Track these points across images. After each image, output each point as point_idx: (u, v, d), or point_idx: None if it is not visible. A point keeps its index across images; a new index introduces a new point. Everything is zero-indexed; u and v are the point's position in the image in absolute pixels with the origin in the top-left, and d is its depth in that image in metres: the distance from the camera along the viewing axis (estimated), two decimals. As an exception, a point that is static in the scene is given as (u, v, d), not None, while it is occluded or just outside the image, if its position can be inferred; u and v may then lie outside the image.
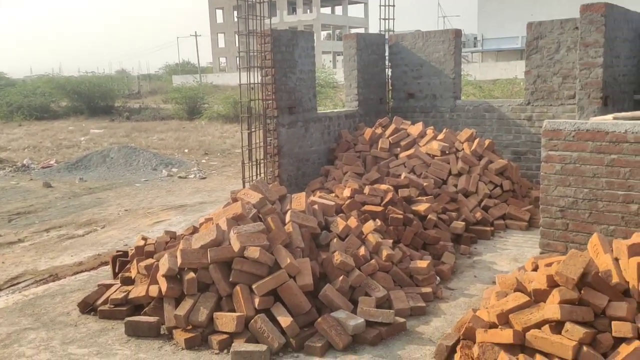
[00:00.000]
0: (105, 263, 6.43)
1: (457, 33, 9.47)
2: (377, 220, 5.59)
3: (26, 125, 27.87)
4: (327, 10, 74.82)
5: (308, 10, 70.73)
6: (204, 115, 26.74)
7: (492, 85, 27.21)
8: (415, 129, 8.61)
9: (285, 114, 8.01)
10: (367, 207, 5.79)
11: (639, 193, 5.16)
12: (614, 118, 5.64)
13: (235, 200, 5.17)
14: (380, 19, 10.17)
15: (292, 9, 72.91)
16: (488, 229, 6.76)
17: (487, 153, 7.93)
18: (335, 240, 5.02)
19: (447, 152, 7.95)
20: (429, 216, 6.26)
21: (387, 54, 10.12)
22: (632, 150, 5.14)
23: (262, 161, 7.93)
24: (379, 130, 8.74)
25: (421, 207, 6.32)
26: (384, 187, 6.54)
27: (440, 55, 9.53)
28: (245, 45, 7.45)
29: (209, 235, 4.51)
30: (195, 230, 5.39)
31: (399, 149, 8.40)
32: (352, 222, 5.32)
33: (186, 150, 17.85)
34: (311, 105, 8.50)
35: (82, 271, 6.34)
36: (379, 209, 5.76)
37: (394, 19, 10.19)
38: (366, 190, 6.07)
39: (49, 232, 8.47)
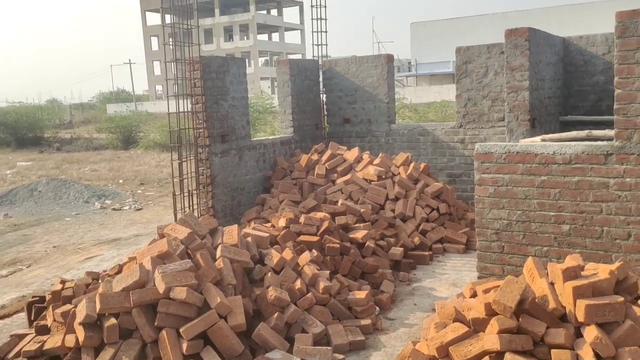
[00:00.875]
0: (31, 305, 5.94)
1: (389, 58, 9.56)
2: (314, 250, 5.40)
3: None
4: (264, 37, 75.21)
5: (245, 37, 70.81)
6: (140, 144, 26.02)
7: (426, 108, 27.88)
8: (351, 154, 8.54)
9: (218, 142, 7.76)
10: (302, 238, 5.60)
11: (569, 213, 5.22)
12: (542, 140, 5.73)
13: (162, 236, 4.86)
14: (313, 45, 10.15)
15: (229, 36, 72.79)
16: (426, 253, 6.71)
17: (423, 176, 7.93)
18: (269, 274, 4.79)
19: (383, 176, 7.90)
20: (367, 243, 6.13)
21: (321, 79, 10.08)
22: (561, 172, 5.21)
23: (194, 192, 7.62)
24: (315, 157, 8.62)
25: (359, 235, 6.19)
26: (320, 215, 6.37)
27: (374, 80, 9.57)
28: (174, 73, 7.18)
29: (132, 276, 4.18)
30: (120, 269, 5.02)
31: (335, 174, 8.29)
32: (287, 254, 5.11)
33: (121, 181, 17.21)
34: (245, 133, 8.29)
35: (3, 316, 5.87)
36: (315, 238, 5.58)
37: (326, 44, 10.20)
38: (302, 219, 5.89)
39: None
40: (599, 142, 5.13)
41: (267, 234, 5.40)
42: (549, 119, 7.38)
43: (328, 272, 5.17)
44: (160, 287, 4.04)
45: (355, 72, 9.74)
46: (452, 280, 6.00)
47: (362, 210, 6.95)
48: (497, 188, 5.50)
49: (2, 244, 9.56)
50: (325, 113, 10.19)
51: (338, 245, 5.49)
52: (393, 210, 7.47)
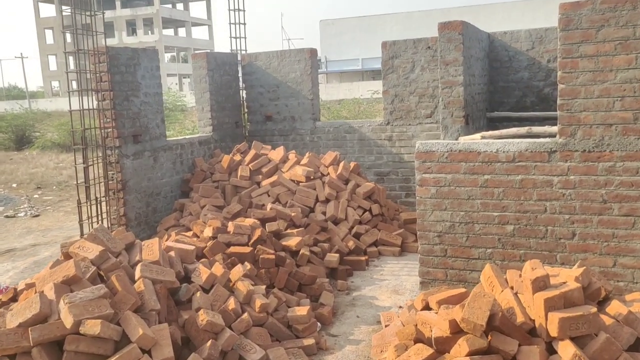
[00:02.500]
0: None
1: (313, 52, 9.12)
2: (246, 263, 4.84)
3: None
4: (169, 31, 72.56)
5: (149, 32, 67.90)
6: (35, 144, 23.95)
7: (338, 105, 27.83)
8: (276, 154, 8.02)
9: (130, 143, 6.96)
10: (233, 249, 5.02)
11: (513, 213, 5.03)
12: (482, 137, 5.51)
13: (67, 256, 4.11)
14: (230, 37, 9.51)
15: (132, 30, 69.51)
16: (363, 258, 6.34)
17: (353, 176, 7.57)
18: (198, 294, 4.18)
19: (312, 177, 7.46)
20: (302, 251, 5.65)
21: (240, 74, 9.46)
22: (504, 170, 5.00)
23: (103, 199, 6.79)
24: (237, 157, 8.02)
25: (292, 242, 5.69)
26: (250, 222, 5.81)
27: (297, 75, 9.10)
28: (76, 65, 6.32)
29: (30, 308, 3.43)
30: (15, 295, 4.20)
31: (260, 176, 7.74)
32: (217, 268, 4.52)
33: (14, 185, 15.75)
34: (160, 132, 7.53)
35: None
36: (247, 249, 5.01)
37: (245, 37, 9.59)
38: (230, 227, 5.30)
39: None
40: (541, 139, 4.97)
41: (192, 247, 4.77)
42: (479, 115, 7.26)
43: (264, 286, 4.64)
44: (67, 321, 3.33)
45: (277, 67, 9.21)
46: (393, 286, 5.66)
47: (292, 214, 6.46)
48: (440, 188, 5.21)
49: None
50: (246, 110, 9.59)
51: (273, 256, 4.96)
52: (324, 213, 7.04)
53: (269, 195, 7.38)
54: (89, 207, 6.53)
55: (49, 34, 67.89)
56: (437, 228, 5.30)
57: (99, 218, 6.66)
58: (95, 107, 6.65)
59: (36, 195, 14.16)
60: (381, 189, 7.57)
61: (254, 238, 5.16)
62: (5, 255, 8.15)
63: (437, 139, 8.18)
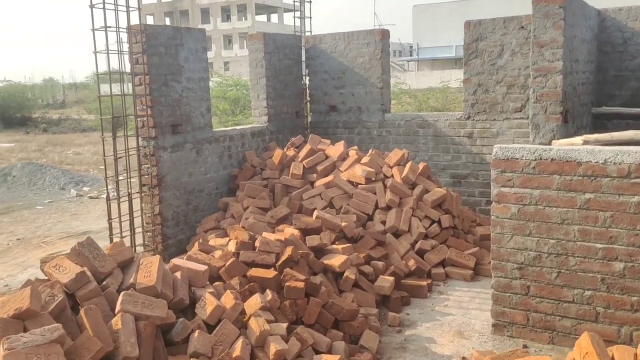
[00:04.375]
0: None
1: (384, 34, 7.98)
2: (268, 291, 3.90)
3: None
4: (262, 17, 73.04)
5: (243, 18, 68.65)
6: (130, 126, 24.43)
7: (427, 94, 26.28)
8: (335, 150, 7.02)
9: (168, 133, 6.23)
10: (254, 272, 4.09)
11: (624, 247, 3.72)
12: (585, 142, 4.21)
13: (38, 281, 3.36)
14: (294, 17, 8.57)
15: (226, 17, 70.66)
16: (424, 283, 5.20)
17: (422, 180, 6.42)
18: (197, 333, 3.29)
19: (373, 179, 6.39)
20: (346, 274, 4.64)
21: (303, 59, 8.52)
22: (615, 188, 3.70)
23: (136, 195, 6.12)
24: (291, 152, 7.10)
25: (335, 262, 4.69)
26: (288, 233, 4.88)
27: (365, 60, 8.01)
28: (105, 44, 5.63)
29: (-35, 352, 2.68)
30: None
31: (315, 175, 6.78)
32: (228, 299, 3.61)
33: (102, 167, 15.96)
34: (204, 122, 6.75)
35: None
36: (271, 274, 4.07)
37: (310, 17, 8.62)
38: (257, 243, 4.38)
39: None
40: (672, 148, 3.62)
41: (204, 267, 3.89)
42: (582, 111, 5.86)
43: (285, 325, 3.67)
44: (3, 375, 2.55)
45: (343, 51, 8.17)
46: (458, 325, 4.50)
47: (343, 224, 5.45)
48: (523, 207, 4.00)
49: None
50: (308, 99, 8.64)
51: (302, 285, 3.98)
52: (383, 223, 5.97)
53: (321, 198, 6.41)
54: (119, 204, 5.87)
55: (149, 19, 70.55)
56: (517, 258, 4.09)
57: (131, 217, 5.99)
58: (129, 92, 5.97)
59: (121, 177, 14.11)
60: (455, 197, 6.37)
61: (283, 258, 4.20)
62: (80, 237, 7.95)
63: (527, 138, 6.84)
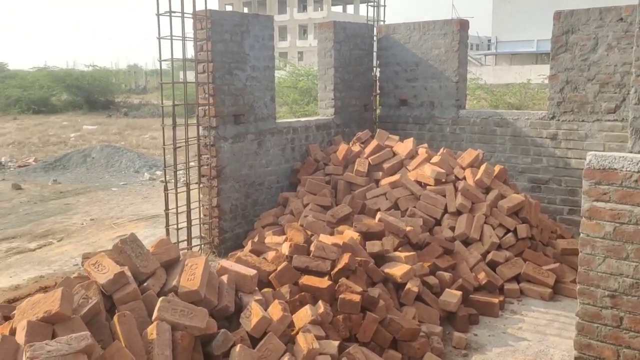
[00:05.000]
0: (44, 288, 5.12)
1: (463, 24, 7.41)
2: (321, 303, 3.55)
3: (21, 119, 26.56)
4: (338, 8, 72.57)
5: (319, 8, 68.48)
6: (192, 115, 24.90)
7: (505, 89, 25.03)
8: (403, 147, 6.56)
9: (229, 123, 6.00)
10: (306, 280, 3.75)
11: None
12: (700, 152, 3.57)
13: (78, 275, 3.17)
14: (367, 4, 8.13)
15: (303, 7, 70.78)
16: (496, 300, 4.69)
17: (497, 184, 5.87)
18: (238, 348, 2.99)
19: (443, 180, 5.91)
20: (409, 286, 4.22)
21: (375, 49, 8.08)
22: None
23: (195, 186, 5.94)
24: (356, 147, 6.71)
25: (397, 271, 4.28)
26: (347, 236, 4.52)
27: (441, 52, 7.47)
28: (169, 30, 5.44)
29: (-11, 355, 2.51)
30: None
31: (380, 173, 6.37)
32: (275, 310, 3.29)
33: (172, 151, 16.21)
34: (268, 113, 6.47)
35: (14, 300, 4.85)
36: (325, 283, 3.71)
37: (385, 5, 8.15)
38: (313, 247, 4.03)
39: None
40: None
41: (252, 272, 3.59)
42: (691, 114, 5.10)
43: (337, 342, 3.31)
44: (24, 385, 2.34)
45: (417, 42, 7.67)
46: (534, 354, 3.97)
47: (407, 229, 5.02)
48: (620, 226, 3.43)
49: (43, 213, 9.10)
50: (378, 92, 8.20)
51: (358, 299, 3.60)
52: (452, 229, 5.49)
53: (386, 199, 6.00)
54: (176, 195, 5.70)
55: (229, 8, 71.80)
56: (610, 284, 3.52)
57: (189, 209, 5.81)
58: (193, 80, 5.78)
59: (193, 163, 14.25)
60: (534, 204, 5.77)
61: (339, 267, 3.83)
62: (149, 221, 8.21)
63: (620, 142, 6.12)
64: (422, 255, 4.93)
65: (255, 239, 5.45)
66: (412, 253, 4.56)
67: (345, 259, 3.85)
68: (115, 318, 2.78)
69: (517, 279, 5.15)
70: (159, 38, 5.42)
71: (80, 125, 23.91)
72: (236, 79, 6.01)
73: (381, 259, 4.51)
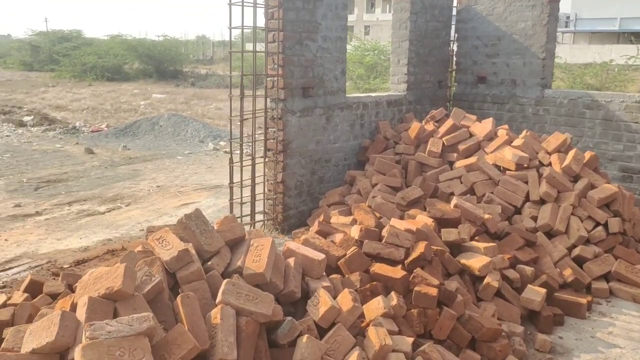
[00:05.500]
0: (112, 251, 5.40)
1: (554, -5, 6.79)
2: (393, 294, 3.27)
3: (95, 85, 27.46)
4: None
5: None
6: (260, 86, 24.94)
7: (583, 69, 23.57)
8: (481, 128, 6.12)
9: (298, 96, 5.74)
10: (378, 268, 3.47)
11: None
12: None
13: (142, 249, 3.01)
14: (447, -26, 7.60)
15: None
16: (583, 300, 4.26)
17: (587, 172, 5.35)
18: (305, 339, 2.76)
19: (525, 165, 5.45)
20: (488, 280, 3.87)
21: (453, 22, 7.58)
22: None
23: (260, 160, 5.74)
24: (429, 126, 6.32)
25: (475, 263, 3.93)
26: (421, 222, 4.20)
27: (528, 25, 6.90)
28: (240, -4, 5.19)
29: (48, 331, 2.38)
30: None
31: (455, 154, 5.97)
32: (345, 300, 3.04)
33: (239, 123, 16.26)
34: (338, 87, 6.17)
35: (82, 261, 5.11)
36: (399, 273, 3.42)
37: (466, -26, 7.59)
38: (385, 232, 3.74)
39: (71, 206, 7.60)
40: None
41: (321, 256, 3.34)
42: None
43: (412, 339, 3.02)
44: (81, 368, 2.20)
45: (501, 14, 7.11)
46: (627, 363, 3.57)
47: (486, 217, 4.64)
48: None
49: (113, 177, 9.41)
50: (454, 67, 7.72)
51: (435, 293, 3.29)
52: (534, 219, 5.06)
53: (461, 182, 5.61)
54: (242, 169, 5.53)
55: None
56: None
57: (253, 182, 5.64)
58: (262, 50, 5.54)
59: (256, 134, 14.28)
60: (627, 196, 5.23)
61: (413, 256, 3.52)
62: (212, 191, 8.28)
63: None
64: (501, 246, 4.54)
65: (321, 218, 5.21)
66: (491, 244, 4.19)
67: (420, 247, 3.54)
68: (179, 299, 2.60)
69: (606, 277, 4.68)
70: (230, 4, 5.19)
71: (149, 93, 24.45)
72: (306, 49, 5.73)
73: (457, 248, 4.17)
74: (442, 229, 4.19)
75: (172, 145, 12.83)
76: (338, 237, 4.11)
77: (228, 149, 12.05)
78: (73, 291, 3.56)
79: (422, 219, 4.33)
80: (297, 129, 5.78)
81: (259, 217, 5.83)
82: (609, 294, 4.56)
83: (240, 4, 5.19)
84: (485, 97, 7.36)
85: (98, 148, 12.08)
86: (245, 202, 5.61)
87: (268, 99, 5.66)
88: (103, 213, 7.31)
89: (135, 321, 2.34)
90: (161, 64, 32.54)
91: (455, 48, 7.65)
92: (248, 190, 5.66)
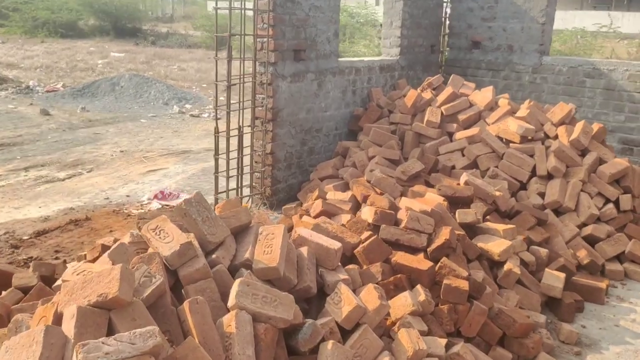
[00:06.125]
0: (75, 222, 5.29)
1: (557, -45, 6.40)
2: (419, 287, 2.92)
3: (49, 42, 25.95)
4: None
5: None
6: (234, 45, 24.03)
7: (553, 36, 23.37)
8: (481, 97, 5.77)
9: (289, 60, 5.25)
10: (400, 258, 3.10)
11: None
12: None
13: (132, 240, 2.56)
14: None
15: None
16: (602, 285, 4.02)
17: (595, 145, 5.09)
18: (331, 345, 2.40)
19: (530, 137, 5.15)
20: (509, 266, 3.57)
21: (447, -19, 7.13)
22: None
23: (247, 129, 5.27)
24: (427, 94, 5.93)
25: (494, 247, 3.62)
26: (431, 200, 3.85)
27: (527, -13, 6.51)
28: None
29: (29, 350, 1.93)
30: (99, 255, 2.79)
31: (455, 125, 5.62)
32: (370, 297, 2.68)
33: (204, 85, 15.79)
34: (330, 50, 5.69)
35: (43, 232, 5.04)
36: (425, 264, 3.06)
37: None
38: (403, 216, 3.37)
39: (28, 172, 7.09)
40: None
41: (337, 245, 2.96)
42: None
43: (444, 340, 2.69)
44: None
45: (499, -26, 6.69)
46: (659, 355, 3.35)
47: (497, 194, 4.33)
48: None
49: (71, 141, 8.83)
50: (447, 31, 7.31)
51: (466, 287, 2.95)
52: (541, 195, 4.79)
53: (463, 155, 5.28)
54: (228, 139, 5.04)
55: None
56: None
57: (240, 153, 5.17)
58: (250, 7, 4.99)
59: (222, 98, 13.72)
60: (638, 171, 5.00)
61: (438, 243, 3.18)
62: (180, 156, 7.95)
63: None
64: (515, 230, 4.24)
65: (315, 194, 4.82)
66: (510, 226, 3.88)
67: (445, 233, 3.19)
68: (187, 306, 2.18)
69: (618, 258, 4.46)
70: (216, -46, 4.61)
71: (107, 52, 23.28)
72: (298, 7, 5.21)
73: (471, 230, 3.85)
74: (456, 210, 3.85)
75: (135, 107, 12.21)
76: (344, 218, 3.74)
77: (194, 112, 11.63)
78: (46, 283, 3.11)
79: (432, 198, 3.98)
80: (287, 95, 5.30)
81: (246, 191, 5.40)
82: (623, 276, 4.34)
83: (228, -46, 4.62)
84: (479, 63, 7.00)
85: (54, 109, 11.40)
86: (232, 176, 5.16)
87: (257, 63, 5.14)
88: (63, 180, 6.85)
89: (138, 338, 1.92)
90: (119, 20, 30.97)
91: (448, 10, 7.22)
92: (233, 163, 5.19)
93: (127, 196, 6.22)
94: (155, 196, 6.14)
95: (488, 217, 4.18)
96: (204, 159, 7.78)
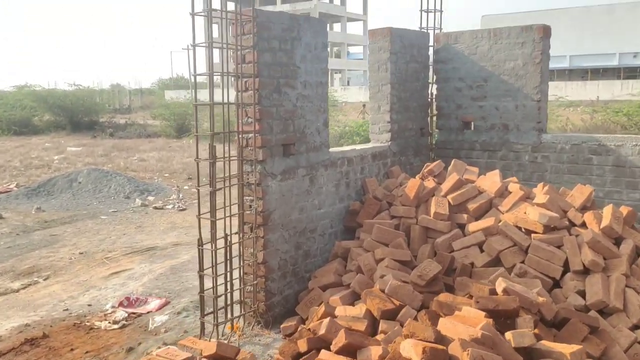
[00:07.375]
0: (31, 341, 4.80)
1: (546, 31, 6.15)
2: None
3: (1, 140, 25.61)
4: (326, -1, 70.28)
5: (307, -3, 65.96)
6: (192, 134, 23.71)
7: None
8: (490, 183, 5.25)
9: (278, 156, 4.63)
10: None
11: None
12: None
13: None
14: (421, 10, 6.86)
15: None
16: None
17: (629, 232, 4.56)
18: None
19: (554, 226, 4.59)
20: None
21: (431, 61, 6.80)
22: None
23: (238, 237, 4.53)
24: (429, 183, 5.37)
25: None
26: (473, 322, 3.16)
27: (518, 65, 6.20)
28: (207, 35, 4.07)
29: None
30: None
31: (465, 215, 5.03)
32: None
33: (167, 175, 15.38)
34: (321, 141, 5.11)
35: None
36: None
37: (441, 10, 6.89)
38: (456, 352, 2.65)
39: None
40: None
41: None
42: None
43: None
44: None
45: (486, 53, 6.40)
46: None
47: (540, 300, 3.68)
48: None
49: (26, 246, 8.33)
50: (435, 112, 6.91)
51: None
52: (580, 294, 4.16)
53: (482, 250, 4.66)
54: (214, 252, 4.28)
55: (215, 28, 70.21)
56: None
57: (228, 265, 4.40)
58: (234, 100, 4.41)
59: (186, 187, 13.63)
60: (679, 258, 4.46)
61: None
62: (145, 254, 7.47)
63: None
64: (561, 337, 3.58)
65: (321, 311, 4.10)
66: (577, 347, 3.19)
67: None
68: None
69: (684, 366, 3.81)
70: (194, 45, 4.05)
71: (64, 146, 22.91)
72: (285, 98, 4.66)
73: (526, 354, 3.15)
74: (504, 331, 3.16)
75: (94, 203, 11.74)
76: (374, 352, 2.99)
77: (158, 205, 10.95)
78: None
79: (473, 315, 3.29)
80: (278, 195, 4.64)
81: (236, 310, 4.59)
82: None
83: (206, 44, 4.07)
84: (473, 144, 6.56)
85: (7, 211, 10.82)
86: (220, 296, 4.36)
87: (243, 161, 4.50)
88: (17, 290, 6.39)
89: None
90: (74, 114, 30.65)
91: (434, 91, 6.85)
92: (220, 278, 4.41)
93: (89, 305, 5.57)
94: (121, 303, 5.46)
95: (536, 330, 3.50)
96: (171, 255, 7.27)
